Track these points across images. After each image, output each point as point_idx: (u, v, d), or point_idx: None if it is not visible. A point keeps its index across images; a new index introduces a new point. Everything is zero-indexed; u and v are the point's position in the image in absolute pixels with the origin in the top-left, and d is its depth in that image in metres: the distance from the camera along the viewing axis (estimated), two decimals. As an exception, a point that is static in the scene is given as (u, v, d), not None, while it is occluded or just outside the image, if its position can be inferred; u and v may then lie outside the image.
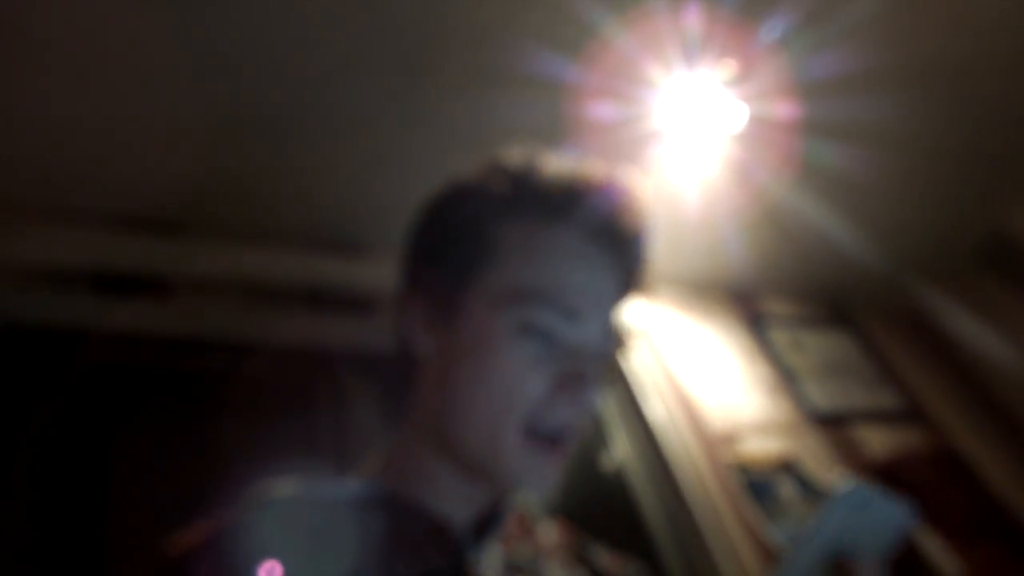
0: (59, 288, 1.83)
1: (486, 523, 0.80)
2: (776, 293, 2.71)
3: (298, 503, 0.73)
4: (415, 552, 0.71)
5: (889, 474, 2.15)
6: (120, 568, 1.44)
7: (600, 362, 0.78)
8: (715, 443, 2.11)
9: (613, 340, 0.80)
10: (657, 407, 2.16)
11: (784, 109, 1.95)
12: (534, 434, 0.73)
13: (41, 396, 1.72)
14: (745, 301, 2.64)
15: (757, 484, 2.02)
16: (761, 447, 2.13)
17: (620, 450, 2.23)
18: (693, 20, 1.72)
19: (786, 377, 2.41)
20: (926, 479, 2.23)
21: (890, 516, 0.67)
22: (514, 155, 0.82)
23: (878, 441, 2.31)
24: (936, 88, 2.02)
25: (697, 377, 2.29)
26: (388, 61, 1.70)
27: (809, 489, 2.04)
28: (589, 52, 1.72)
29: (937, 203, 2.45)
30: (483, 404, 0.73)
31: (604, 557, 0.90)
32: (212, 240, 2.02)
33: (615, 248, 0.79)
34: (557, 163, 0.80)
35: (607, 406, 2.32)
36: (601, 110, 1.86)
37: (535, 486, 0.74)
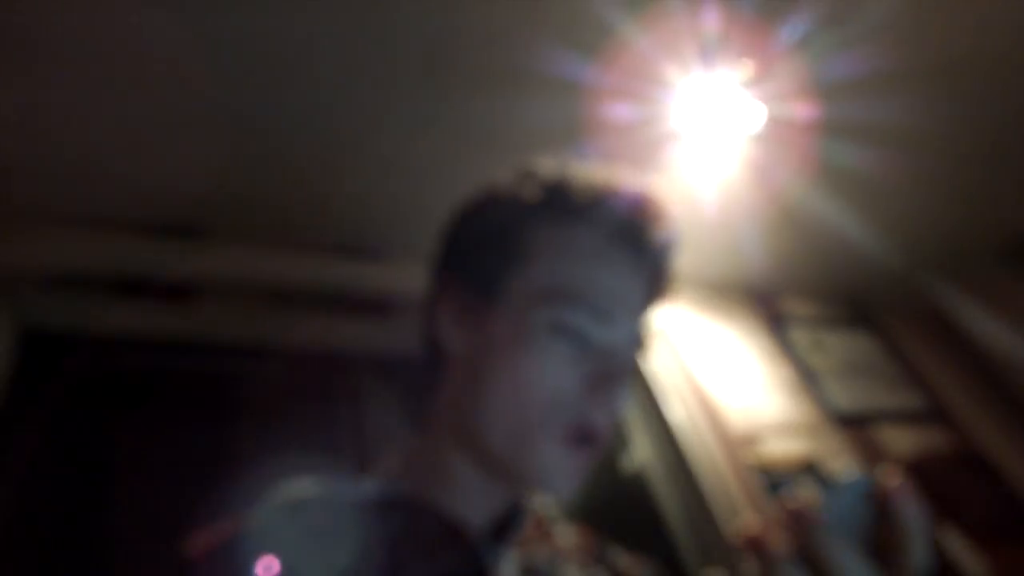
0: (80, 293, 1.85)
1: (504, 526, 0.80)
2: (796, 293, 2.70)
3: (315, 504, 0.73)
4: (432, 555, 0.72)
5: (913, 474, 2.13)
6: (142, 570, 1.46)
7: (628, 365, 0.79)
8: (736, 444, 2.10)
9: (640, 345, 0.81)
10: (678, 409, 2.16)
11: (802, 109, 1.94)
12: (564, 433, 0.73)
13: (62, 399, 1.74)
14: (765, 302, 2.63)
15: (778, 485, 2.01)
16: (783, 448, 2.12)
17: (641, 452, 2.23)
18: (711, 20, 1.71)
19: (807, 378, 2.40)
20: (950, 479, 2.21)
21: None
22: (544, 164, 0.84)
23: (901, 441, 2.30)
24: (956, 88, 2.00)
25: (718, 378, 2.29)
26: (404, 63, 1.71)
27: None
28: (606, 52, 1.71)
29: (958, 203, 2.43)
30: (514, 401, 0.74)
31: (623, 559, 0.90)
32: (231, 245, 2.03)
33: (643, 255, 0.80)
34: (587, 171, 0.82)
35: (628, 408, 2.32)
36: (618, 111, 1.86)
37: (559, 488, 0.74)
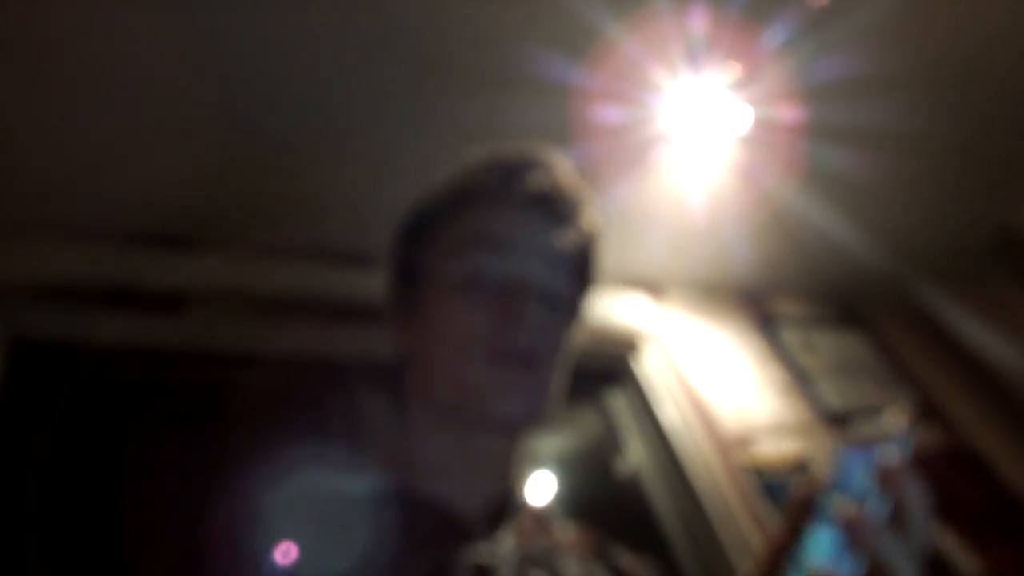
0: (71, 303, 1.84)
1: (499, 514, 0.82)
2: (787, 294, 2.71)
3: (312, 497, 0.75)
4: (428, 544, 0.74)
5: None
6: (140, 571, 1.45)
7: (539, 290, 0.85)
8: (729, 446, 2.10)
9: (562, 275, 0.89)
10: (671, 411, 2.16)
11: (789, 112, 1.96)
12: (488, 356, 0.80)
13: (53, 410, 1.73)
14: (756, 303, 2.64)
15: (772, 486, 2.01)
16: (776, 449, 2.13)
17: (634, 455, 2.23)
18: (698, 23, 1.72)
19: (799, 378, 2.41)
20: (942, 477, 2.22)
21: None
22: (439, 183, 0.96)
23: (893, 440, 2.30)
24: (942, 89, 2.02)
25: (710, 380, 2.29)
26: (394, 68, 1.71)
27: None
28: (594, 55, 1.73)
29: (946, 202, 2.45)
30: (446, 349, 0.82)
31: (625, 558, 0.91)
32: (223, 253, 2.03)
33: (530, 198, 0.89)
34: (476, 154, 0.95)
35: (621, 411, 2.32)
36: (607, 113, 1.87)
37: (509, 405, 0.79)
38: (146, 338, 1.90)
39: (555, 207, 0.90)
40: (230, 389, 1.87)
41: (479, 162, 0.93)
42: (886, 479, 0.60)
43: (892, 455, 0.61)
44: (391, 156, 1.90)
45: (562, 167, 0.93)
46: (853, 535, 0.59)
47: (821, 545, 0.63)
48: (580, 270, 0.94)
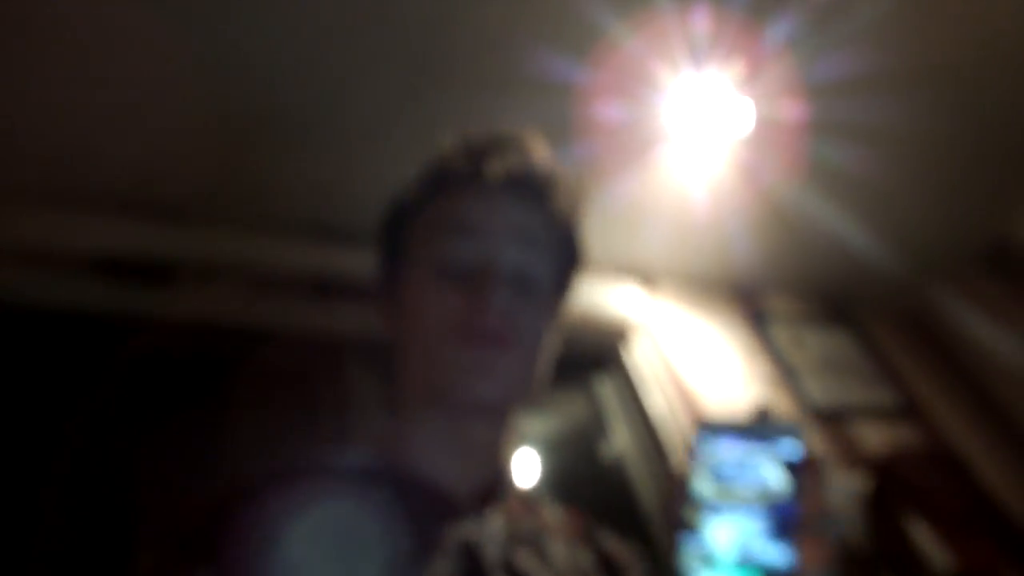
0: (63, 272, 1.85)
1: (488, 495, 0.84)
2: (780, 291, 2.72)
3: (304, 476, 0.77)
4: (415, 521, 0.74)
5: (885, 469, 2.17)
6: (129, 542, 1.47)
7: (503, 269, 0.85)
8: (714, 436, 2.12)
9: (539, 256, 0.89)
10: (657, 400, 2.19)
11: (792, 110, 1.96)
12: (458, 337, 0.81)
13: (42, 379, 1.74)
14: (748, 298, 2.65)
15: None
16: (759, 441, 2.15)
17: (620, 441, 2.26)
18: (700, 21, 1.72)
19: (786, 373, 2.43)
20: (921, 474, 2.25)
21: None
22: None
23: (875, 437, 2.33)
24: (945, 90, 2.02)
25: (698, 372, 2.31)
26: (398, 60, 1.72)
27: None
28: (596, 53, 1.73)
29: (944, 205, 2.45)
30: (422, 335, 0.84)
31: (611, 542, 0.94)
32: (220, 228, 2.04)
33: (499, 181, 0.90)
34: (448, 141, 0.97)
35: (608, 397, 2.35)
36: (609, 111, 1.88)
37: (484, 387, 0.80)
38: (140, 310, 1.91)
39: (529, 187, 0.91)
40: (220, 363, 1.88)
41: (450, 148, 0.96)
42: (804, 471, 0.65)
43: (799, 448, 0.66)
44: (395, 145, 1.85)
45: (535, 147, 0.95)
46: (797, 522, 0.63)
47: (731, 535, 0.66)
48: (561, 249, 0.94)
